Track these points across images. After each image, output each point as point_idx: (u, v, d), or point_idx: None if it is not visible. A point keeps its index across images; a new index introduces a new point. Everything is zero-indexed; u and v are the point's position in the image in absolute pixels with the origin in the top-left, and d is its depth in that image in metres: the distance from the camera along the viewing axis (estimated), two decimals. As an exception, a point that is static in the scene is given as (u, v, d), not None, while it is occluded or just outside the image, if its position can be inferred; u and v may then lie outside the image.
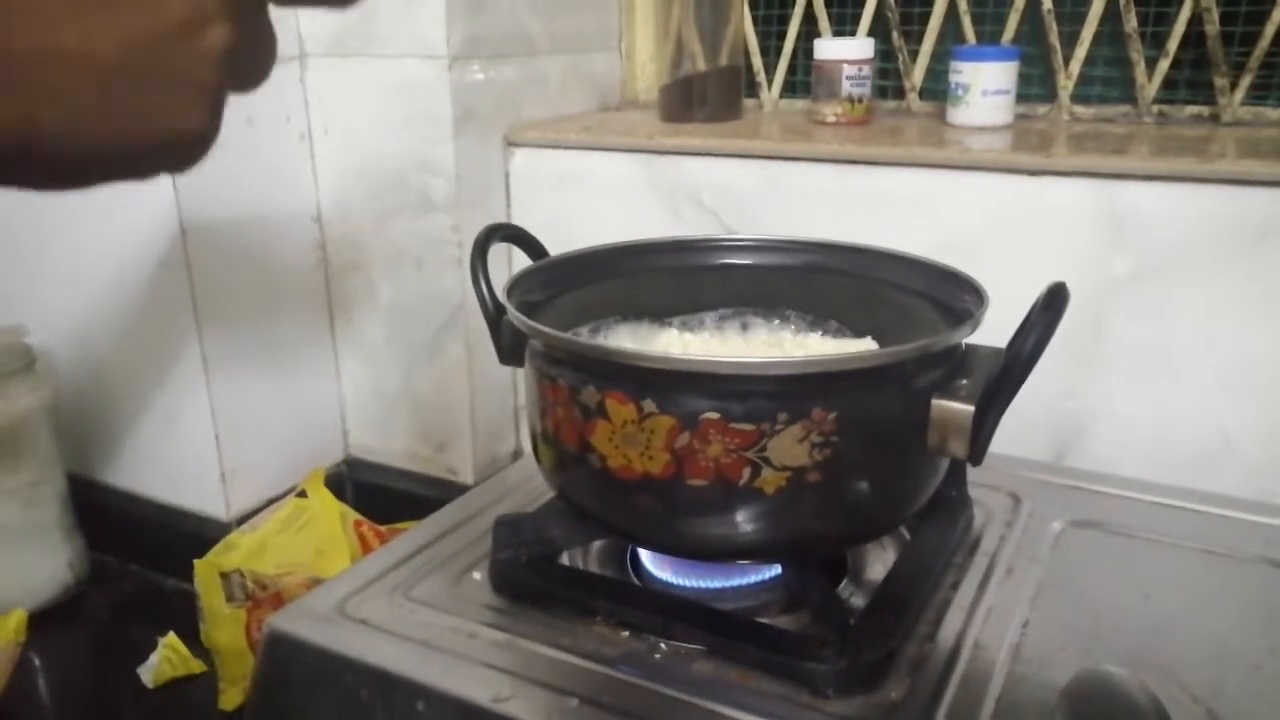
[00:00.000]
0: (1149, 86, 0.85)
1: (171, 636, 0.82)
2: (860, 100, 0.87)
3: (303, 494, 0.89)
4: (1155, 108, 0.86)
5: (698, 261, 0.67)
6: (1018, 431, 0.59)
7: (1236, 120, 0.83)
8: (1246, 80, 0.82)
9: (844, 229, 0.70)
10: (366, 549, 0.84)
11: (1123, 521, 0.63)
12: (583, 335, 0.62)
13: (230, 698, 0.77)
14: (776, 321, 0.66)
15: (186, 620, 0.83)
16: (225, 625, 0.77)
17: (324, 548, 0.82)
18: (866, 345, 0.63)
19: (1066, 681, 0.47)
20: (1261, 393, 0.68)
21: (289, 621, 0.55)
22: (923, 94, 0.95)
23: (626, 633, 0.53)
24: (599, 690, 0.48)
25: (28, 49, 0.26)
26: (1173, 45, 0.83)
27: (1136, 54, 0.84)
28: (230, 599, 0.77)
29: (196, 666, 0.80)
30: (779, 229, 0.79)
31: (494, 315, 0.59)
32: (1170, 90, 0.86)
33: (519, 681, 0.49)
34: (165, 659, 0.80)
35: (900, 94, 0.96)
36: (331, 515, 0.85)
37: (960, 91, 0.83)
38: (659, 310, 0.66)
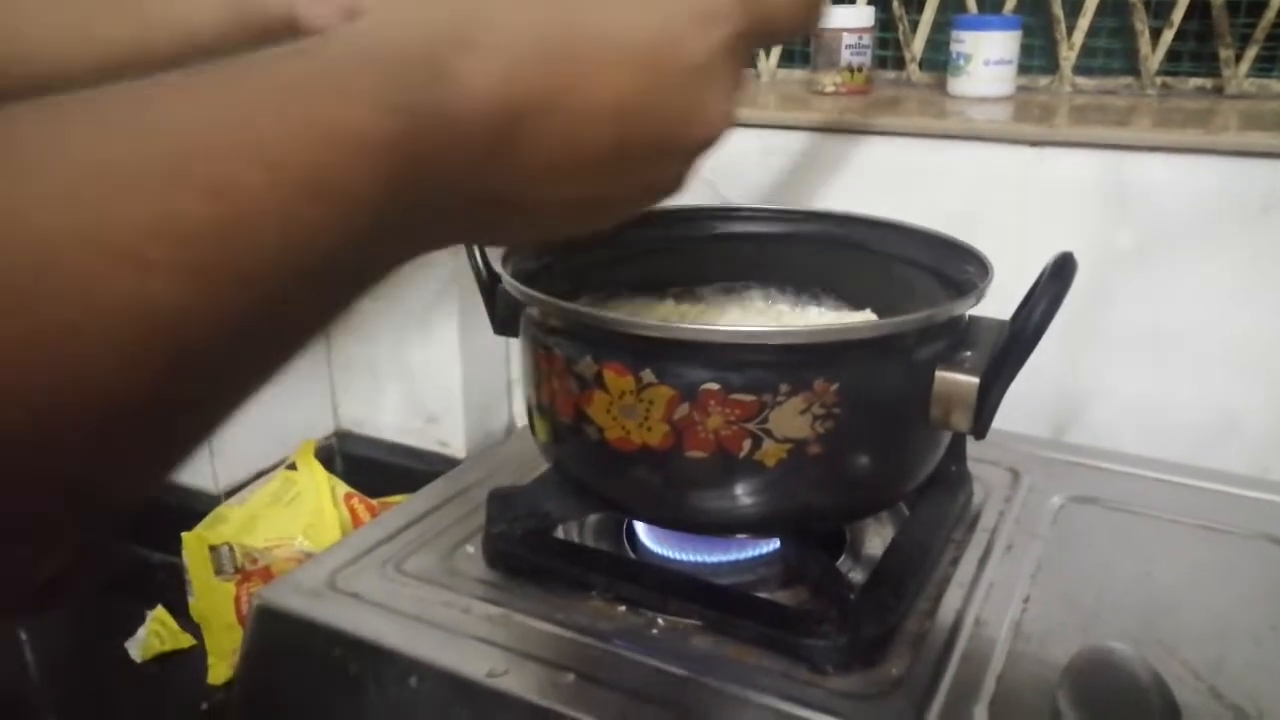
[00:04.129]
0: (1152, 58, 0.84)
1: (160, 610, 0.80)
2: (860, 69, 0.86)
3: (292, 466, 0.88)
4: (1158, 80, 0.85)
5: (695, 232, 0.66)
6: (1017, 406, 0.58)
7: (1241, 93, 0.82)
8: (1252, 52, 0.80)
9: (843, 199, 0.69)
10: (358, 522, 0.83)
11: (1123, 497, 0.63)
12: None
13: (219, 671, 0.76)
14: (775, 293, 0.65)
15: (175, 594, 0.82)
16: (214, 599, 0.76)
17: (314, 521, 0.80)
18: (866, 318, 0.62)
19: (1069, 658, 0.46)
20: (1264, 369, 0.67)
21: (279, 595, 0.54)
22: (923, 64, 0.93)
23: (623, 607, 0.52)
24: (594, 665, 0.48)
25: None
26: (1177, 16, 0.82)
27: (1140, 24, 0.83)
28: (219, 572, 0.76)
29: (185, 640, 0.79)
30: (777, 199, 0.78)
31: (488, 284, 0.57)
32: (1174, 62, 0.85)
33: (513, 656, 0.49)
34: (153, 633, 0.79)
35: (900, 64, 0.94)
36: (322, 488, 0.83)
37: (961, 61, 0.82)
38: (656, 281, 0.65)
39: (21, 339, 0.15)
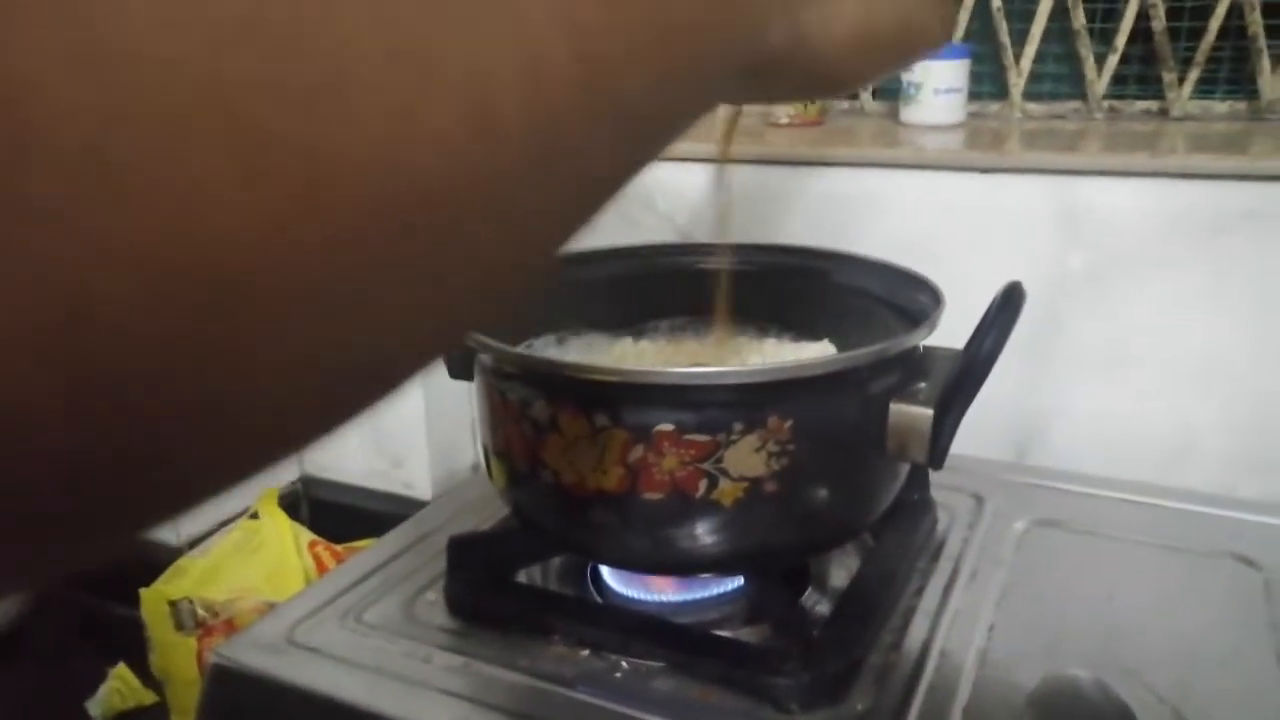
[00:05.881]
0: (1099, 82, 0.85)
1: (121, 667, 0.79)
2: (813, 100, 0.87)
3: (255, 515, 0.86)
4: (1106, 103, 0.86)
5: (651, 268, 0.66)
6: (978, 430, 0.58)
7: (1185, 115, 0.83)
8: (1194, 74, 0.82)
9: (798, 231, 0.69)
10: (322, 569, 0.82)
11: (1086, 519, 0.63)
12: (533, 348, 0.60)
13: (183, 729, 0.74)
14: (732, 327, 0.65)
15: (138, 649, 0.80)
16: (175, 655, 0.75)
17: (277, 571, 0.79)
18: (824, 349, 0.62)
19: (1033, 687, 0.46)
20: (1220, 385, 0.68)
21: (235, 651, 0.53)
22: (875, 93, 0.94)
23: (586, 651, 0.51)
24: (558, 712, 0.47)
25: None
26: (1121, 41, 0.83)
27: (1085, 50, 0.84)
28: (180, 627, 0.75)
29: (148, 698, 0.78)
30: (734, 233, 0.78)
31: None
32: (1120, 86, 0.86)
33: (475, 707, 0.48)
34: (115, 690, 0.77)
35: (853, 94, 0.95)
36: (284, 537, 0.82)
37: (912, 90, 0.83)
38: (612, 320, 0.65)
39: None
